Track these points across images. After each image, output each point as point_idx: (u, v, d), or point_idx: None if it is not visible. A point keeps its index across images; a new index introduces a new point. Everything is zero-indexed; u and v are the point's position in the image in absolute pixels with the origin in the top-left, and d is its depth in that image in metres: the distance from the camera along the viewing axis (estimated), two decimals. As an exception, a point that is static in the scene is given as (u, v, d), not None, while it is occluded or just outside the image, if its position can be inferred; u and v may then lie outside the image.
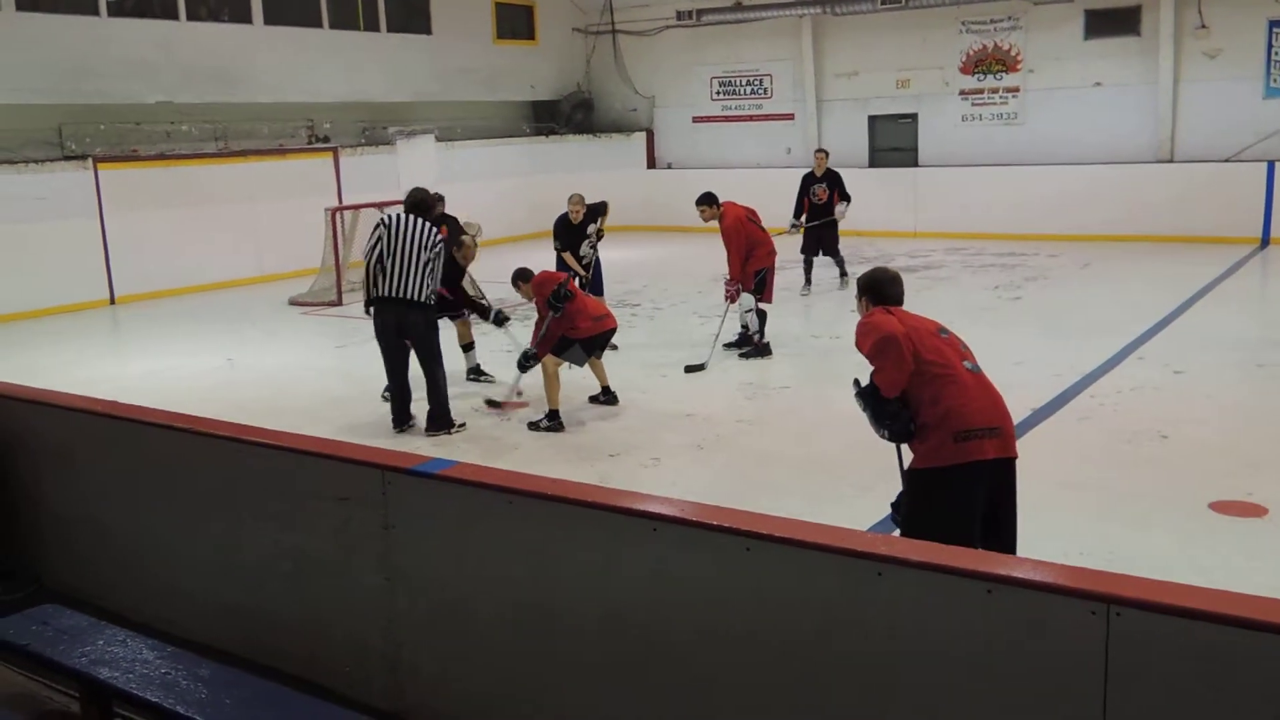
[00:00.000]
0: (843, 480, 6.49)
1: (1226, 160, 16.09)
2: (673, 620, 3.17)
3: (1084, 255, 14.93)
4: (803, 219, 12.91)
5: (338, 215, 13.96)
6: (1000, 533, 4.19)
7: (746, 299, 9.63)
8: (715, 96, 20.77)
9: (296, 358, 10.76)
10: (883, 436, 4.28)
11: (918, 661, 2.75)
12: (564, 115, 21.54)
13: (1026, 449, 4.50)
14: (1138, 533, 5.43)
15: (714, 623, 3.09)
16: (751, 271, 9.59)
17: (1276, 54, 15.83)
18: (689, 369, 9.34)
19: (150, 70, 14.85)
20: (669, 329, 11.40)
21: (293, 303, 13.77)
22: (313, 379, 9.81)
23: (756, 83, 20.30)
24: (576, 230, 10.32)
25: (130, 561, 4.74)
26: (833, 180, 13.02)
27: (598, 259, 10.44)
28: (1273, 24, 15.75)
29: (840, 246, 13.23)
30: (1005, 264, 14.47)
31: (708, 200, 9.81)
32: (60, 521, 5.03)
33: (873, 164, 19.23)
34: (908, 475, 4.29)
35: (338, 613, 3.99)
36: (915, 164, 18.69)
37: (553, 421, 7.76)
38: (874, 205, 18.25)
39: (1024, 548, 4.35)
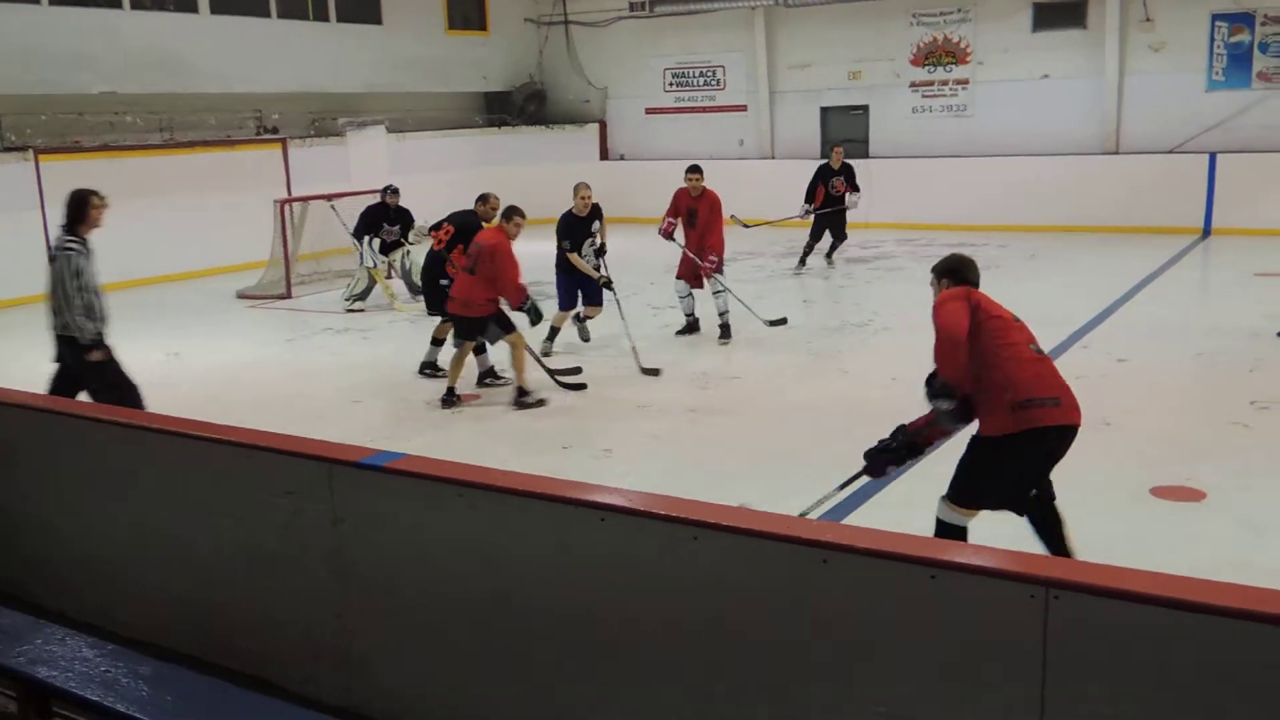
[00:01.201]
0: (796, 470, 6.52)
1: (1170, 152, 16.37)
2: (624, 611, 3.17)
3: (1032, 246, 15.13)
4: (813, 206, 13.94)
5: (286, 207, 13.81)
6: (1045, 489, 4.58)
7: (719, 279, 10.01)
8: (668, 88, 20.78)
9: (244, 352, 10.63)
10: (948, 424, 4.53)
11: (864, 647, 2.78)
12: (516, 106, 21.44)
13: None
14: (1082, 518, 5.48)
15: (664, 612, 3.10)
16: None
17: (1219, 47, 16.11)
18: (772, 323, 10.13)
19: (93, 60, 14.57)
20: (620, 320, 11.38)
21: (241, 296, 13.61)
22: (261, 373, 9.70)
23: (709, 74, 20.33)
24: (583, 225, 9.60)
25: (74, 560, 4.66)
26: (848, 173, 14.03)
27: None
28: (1215, 17, 16.04)
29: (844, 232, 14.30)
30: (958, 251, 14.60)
31: (700, 170, 10.19)
32: (1, 519, 4.93)
33: (825, 155, 19.27)
34: (973, 441, 4.53)
35: (287, 608, 3.95)
36: (866, 155, 18.79)
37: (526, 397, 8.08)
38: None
39: (970, 535, 4.42)
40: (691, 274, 10.18)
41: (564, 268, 9.64)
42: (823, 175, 14.04)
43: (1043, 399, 4.33)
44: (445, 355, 8.93)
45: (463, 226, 8.93)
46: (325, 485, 3.69)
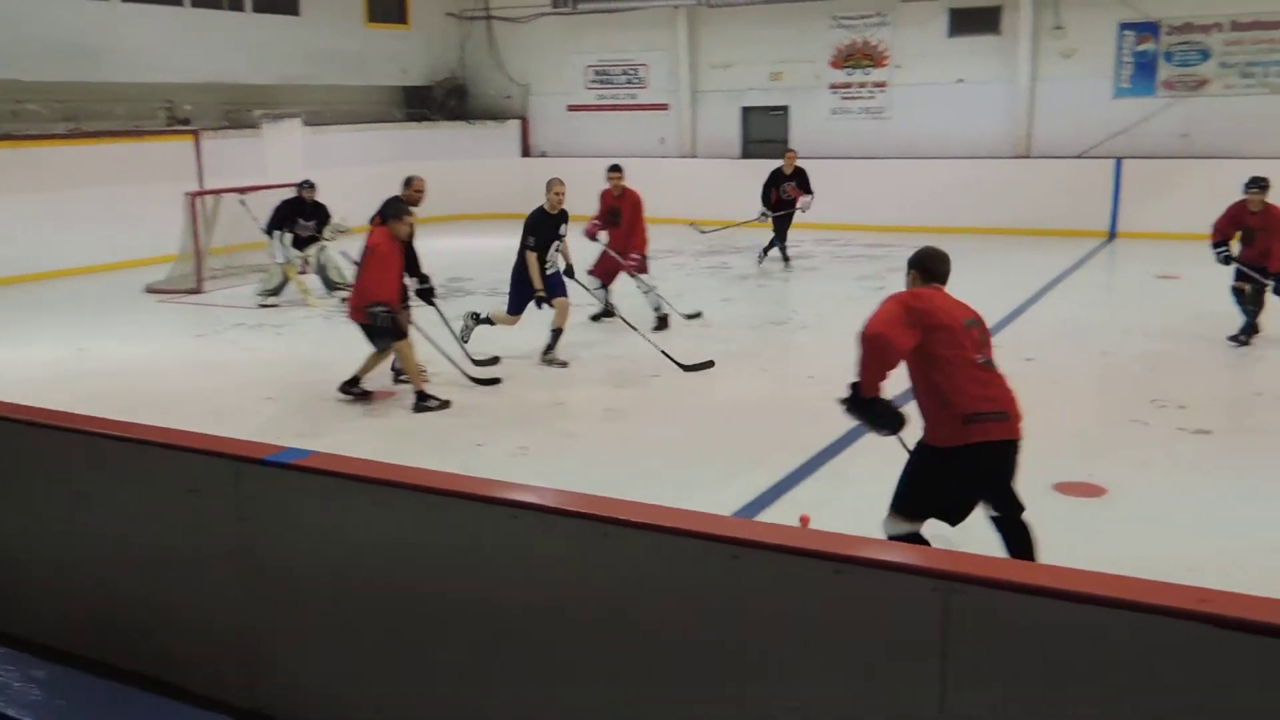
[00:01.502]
0: (710, 467, 6.57)
1: (1078, 157, 16.81)
2: (534, 608, 3.16)
3: (946, 247, 15.22)
4: (769, 210, 13.99)
5: (198, 200, 13.50)
6: (1006, 504, 4.52)
7: (645, 280, 10.28)
8: (590, 85, 20.75)
9: (153, 347, 10.37)
10: (883, 435, 4.52)
11: (770, 641, 2.80)
12: (437, 101, 21.23)
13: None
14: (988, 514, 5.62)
15: (575, 610, 3.10)
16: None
17: (1126, 56, 16.58)
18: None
19: (-6, 46, 14.11)
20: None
21: (150, 290, 13.28)
22: (169, 369, 9.47)
23: (632, 72, 20.36)
24: (552, 225, 9.01)
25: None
26: (800, 178, 13.99)
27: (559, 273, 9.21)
28: (1123, 26, 16.50)
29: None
30: (872, 255, 14.83)
31: (620, 169, 10.35)
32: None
33: (745, 155, 19.49)
34: (919, 445, 4.52)
35: (191, 609, 3.86)
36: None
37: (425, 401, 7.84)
38: (747, 196, 18.50)
39: (878, 532, 4.49)
40: (605, 272, 10.38)
41: (521, 272, 9.03)
42: (774, 180, 14.08)
43: (990, 413, 4.31)
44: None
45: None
46: (230, 483, 3.62)
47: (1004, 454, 4.41)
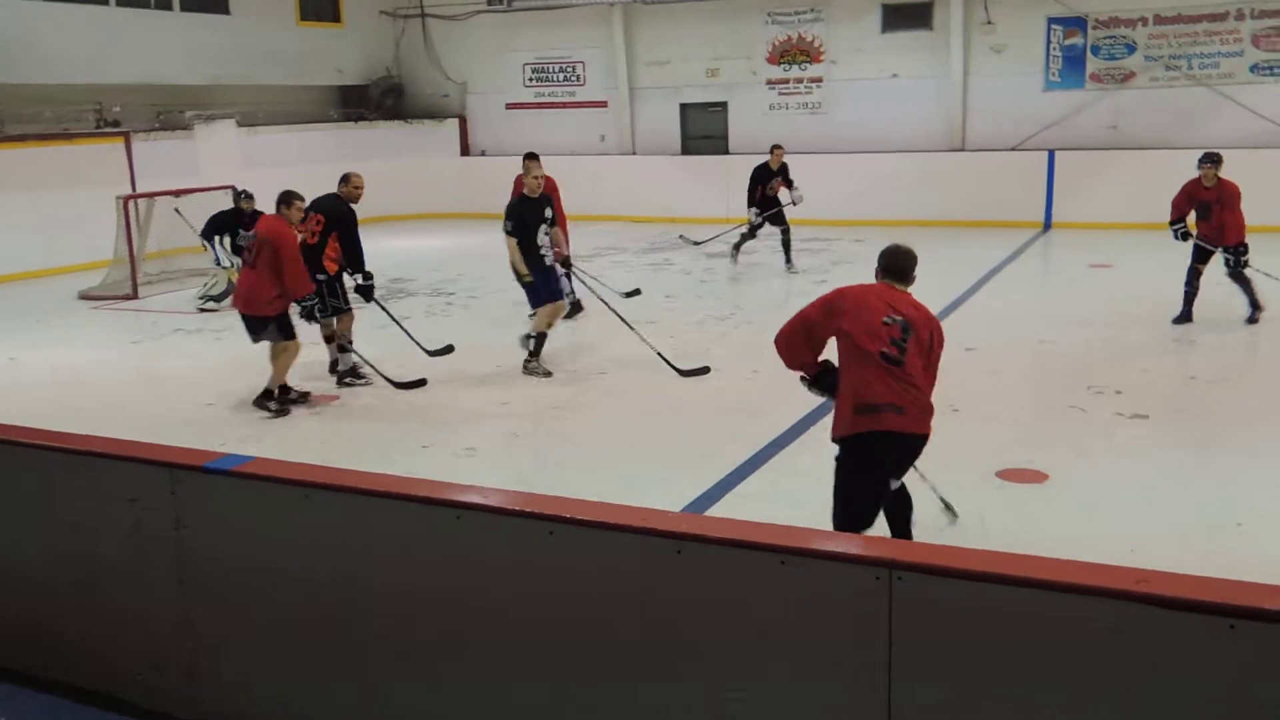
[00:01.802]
0: (659, 464, 6.58)
1: (1012, 149, 17.07)
2: (479, 608, 3.15)
3: (886, 240, 15.42)
4: (759, 211, 13.37)
5: (130, 204, 13.24)
6: (898, 502, 4.65)
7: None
8: (528, 83, 20.67)
9: (88, 355, 10.16)
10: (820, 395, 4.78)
11: (717, 634, 2.82)
12: (374, 101, 21.03)
13: (825, 426, 4.69)
14: (932, 502, 5.69)
15: (522, 609, 3.09)
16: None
17: (1054, 50, 16.87)
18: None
19: (-86, 47, 13.74)
20: (485, 317, 11.31)
21: (83, 296, 13.00)
22: (105, 377, 9.28)
23: (569, 70, 20.31)
24: (534, 209, 8.53)
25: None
26: (785, 173, 13.48)
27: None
28: (1051, 21, 16.79)
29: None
30: (812, 249, 14.94)
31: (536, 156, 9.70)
32: None
33: (685, 151, 19.54)
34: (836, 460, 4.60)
35: (130, 619, 3.79)
36: (726, 151, 19.06)
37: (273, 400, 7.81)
38: (686, 192, 18.61)
39: (824, 522, 4.52)
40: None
41: (527, 262, 8.53)
42: (760, 176, 13.43)
43: (883, 405, 4.36)
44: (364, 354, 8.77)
45: (333, 213, 8.31)
46: (167, 491, 3.56)
47: (900, 446, 4.47)
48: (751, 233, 13.59)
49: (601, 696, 3.02)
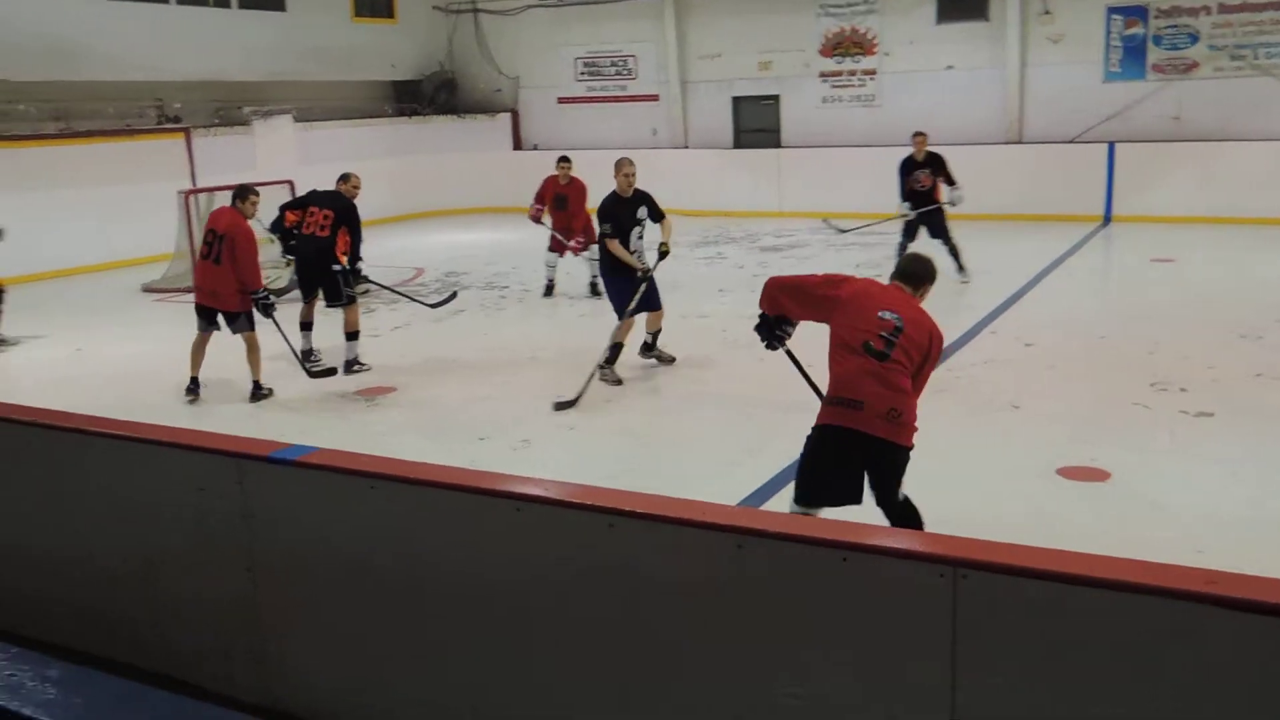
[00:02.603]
0: (711, 457, 6.59)
1: (1070, 141, 16.82)
2: (540, 601, 3.17)
3: (939, 233, 15.38)
4: (909, 205, 11.73)
5: (191, 198, 13.46)
6: (886, 508, 4.48)
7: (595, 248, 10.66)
8: (580, 77, 20.72)
9: (151, 346, 10.36)
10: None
11: (776, 630, 2.81)
12: (427, 96, 21.18)
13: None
14: (992, 499, 5.66)
15: (581, 602, 3.11)
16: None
17: (1114, 40, 16.59)
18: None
19: (-18, 46, 14.05)
20: (538, 311, 11.36)
21: (146, 289, 13.25)
22: (168, 368, 9.43)
23: (621, 63, 20.32)
24: (627, 208, 8.31)
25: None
26: (936, 165, 11.71)
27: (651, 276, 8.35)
28: (1111, 10, 16.50)
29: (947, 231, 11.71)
30: (865, 243, 14.83)
31: (569, 160, 11.58)
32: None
33: (737, 145, 19.48)
34: None
35: (198, 607, 3.87)
36: (778, 145, 18.98)
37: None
38: (738, 186, 18.57)
39: (881, 518, 4.50)
40: (561, 247, 11.70)
41: (610, 266, 8.41)
42: (906, 168, 11.83)
43: (846, 399, 4.32)
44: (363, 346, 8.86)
45: (341, 208, 8.90)
46: (235, 480, 3.62)
47: (854, 444, 4.32)
48: (909, 234, 11.71)
49: (658, 693, 3.02)
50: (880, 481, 4.45)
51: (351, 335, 9.00)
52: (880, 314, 4.42)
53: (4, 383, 8.54)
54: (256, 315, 8.13)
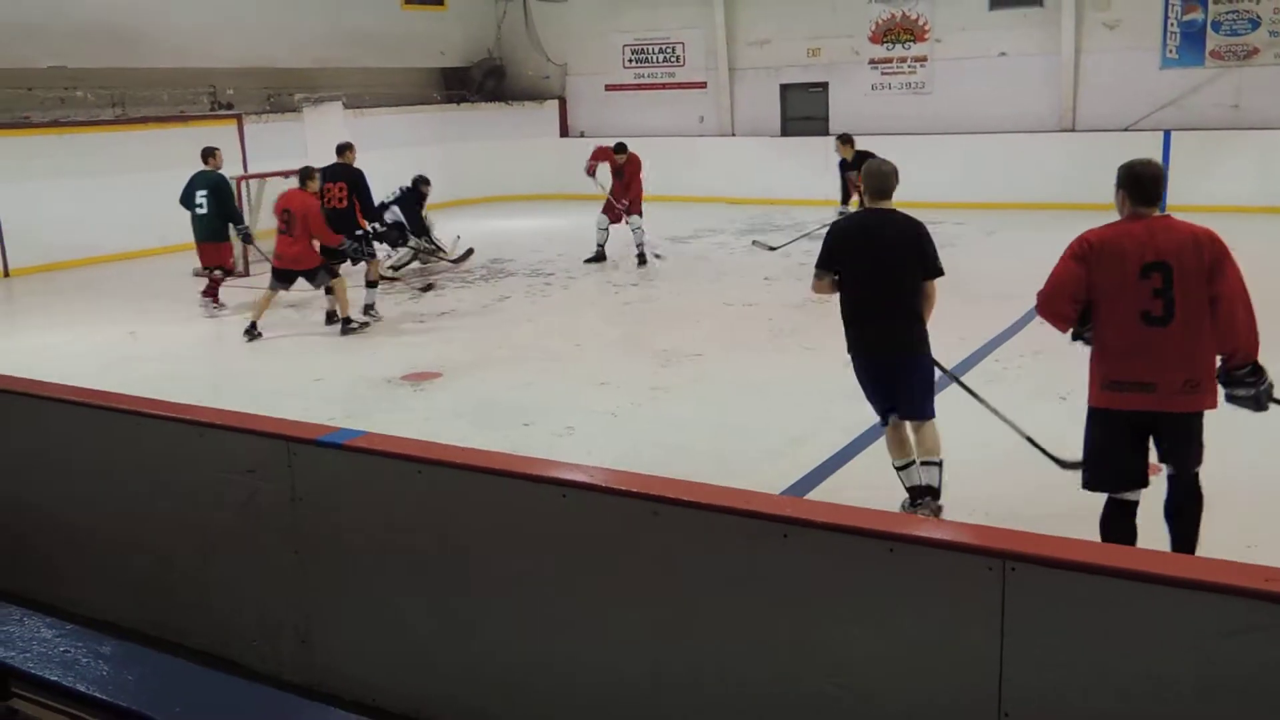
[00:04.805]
0: (755, 445, 6.56)
1: (1125, 129, 16.52)
2: (583, 586, 3.18)
3: (989, 223, 15.24)
4: None
5: (243, 184, 13.62)
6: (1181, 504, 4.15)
7: (635, 219, 12.52)
8: (628, 64, 20.67)
9: (202, 329, 10.52)
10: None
11: (821, 619, 2.80)
12: (475, 83, 21.25)
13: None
14: (1039, 491, 5.58)
15: (624, 587, 3.12)
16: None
17: (1172, 26, 16.26)
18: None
19: (41, 33, 14.24)
20: (583, 298, 11.38)
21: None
22: (219, 351, 9.60)
23: (669, 50, 20.25)
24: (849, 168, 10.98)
25: (29, 540, 4.60)
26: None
27: None
28: (1169, -4, 16.19)
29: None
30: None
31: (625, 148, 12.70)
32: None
33: (785, 133, 19.35)
34: None
35: (246, 587, 3.93)
36: (826, 133, 18.78)
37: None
38: (786, 173, 18.44)
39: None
40: (612, 210, 12.67)
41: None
42: (841, 168, 13.26)
43: (1127, 382, 4.09)
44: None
45: (352, 178, 10.46)
46: (284, 463, 3.67)
47: (1159, 425, 3.98)
48: None
49: (701, 678, 3.02)
50: (1173, 458, 4.18)
51: (371, 284, 10.29)
52: (1142, 267, 3.94)
53: (59, 365, 8.70)
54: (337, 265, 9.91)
